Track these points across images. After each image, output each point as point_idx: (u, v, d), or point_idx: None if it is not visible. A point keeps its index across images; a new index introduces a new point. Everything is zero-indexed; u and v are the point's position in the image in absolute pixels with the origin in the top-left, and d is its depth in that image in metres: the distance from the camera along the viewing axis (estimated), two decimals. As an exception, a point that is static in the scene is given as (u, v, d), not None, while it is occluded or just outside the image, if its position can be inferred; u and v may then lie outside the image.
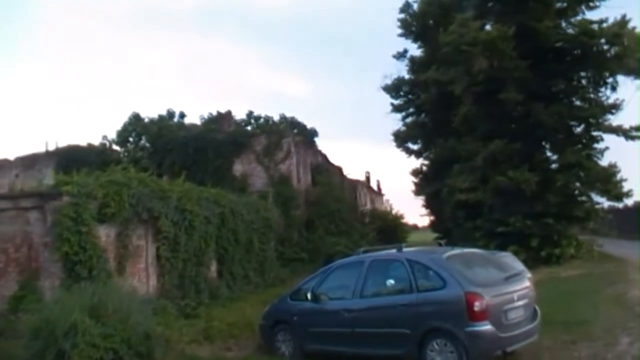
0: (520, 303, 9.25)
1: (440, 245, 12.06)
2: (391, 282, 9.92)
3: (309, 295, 10.69)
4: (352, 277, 10.33)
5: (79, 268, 12.26)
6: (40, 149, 31.69)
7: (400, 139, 32.23)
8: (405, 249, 10.54)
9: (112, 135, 31.49)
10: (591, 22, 23.91)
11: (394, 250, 10.57)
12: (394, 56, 32.28)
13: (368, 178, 52.35)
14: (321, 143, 40.10)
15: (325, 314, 10.43)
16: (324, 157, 34.84)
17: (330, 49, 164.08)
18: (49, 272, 12.48)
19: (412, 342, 8.98)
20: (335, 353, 10.21)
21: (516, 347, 9.10)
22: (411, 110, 32.55)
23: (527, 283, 10.01)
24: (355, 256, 11.37)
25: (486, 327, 8.51)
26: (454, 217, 26.85)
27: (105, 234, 13.64)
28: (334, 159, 36.53)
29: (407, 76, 32.08)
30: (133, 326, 9.82)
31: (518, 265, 11.84)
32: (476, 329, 8.48)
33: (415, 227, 60.60)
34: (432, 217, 36.79)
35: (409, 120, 32.76)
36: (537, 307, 9.92)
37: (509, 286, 9.36)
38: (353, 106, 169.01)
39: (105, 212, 13.49)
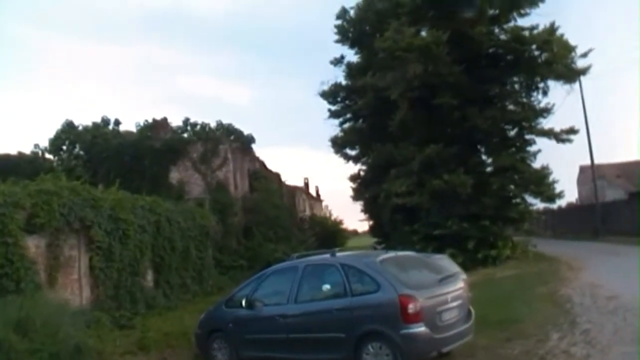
0: (455, 304, 9.30)
1: (375, 249, 12.10)
2: (326, 286, 9.85)
3: (243, 302, 10.56)
4: (286, 282, 10.25)
5: (5, 281, 11.88)
6: (-33, 157, 30.62)
7: (338, 144, 32.18)
8: (338, 254, 10.55)
9: (45, 143, 30.96)
10: (522, 29, 24.61)
11: (327, 255, 10.56)
12: (331, 62, 32.32)
13: (307, 184, 52.61)
14: (259, 150, 40.06)
15: (260, 320, 10.31)
16: (262, 163, 34.84)
17: (268, 55, 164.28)
18: (-29, 286, 11.99)
19: (347, 346, 8.94)
20: (272, 359, 10.13)
21: (451, 348, 9.15)
22: (348, 115, 32.57)
23: (462, 284, 10.07)
24: (289, 262, 11.32)
25: (421, 328, 8.52)
26: (392, 221, 27.03)
27: (34, 245, 13.28)
28: (272, 166, 36.69)
29: (344, 82, 32.14)
30: (63, 340, 9.57)
31: (453, 267, 11.96)
32: (411, 331, 8.49)
33: (355, 233, 61.27)
34: (371, 222, 36.96)
35: (346, 126, 32.83)
36: (471, 308, 10.02)
37: (443, 288, 9.39)
38: (291, 112, 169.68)
39: (34, 223, 13.17)
